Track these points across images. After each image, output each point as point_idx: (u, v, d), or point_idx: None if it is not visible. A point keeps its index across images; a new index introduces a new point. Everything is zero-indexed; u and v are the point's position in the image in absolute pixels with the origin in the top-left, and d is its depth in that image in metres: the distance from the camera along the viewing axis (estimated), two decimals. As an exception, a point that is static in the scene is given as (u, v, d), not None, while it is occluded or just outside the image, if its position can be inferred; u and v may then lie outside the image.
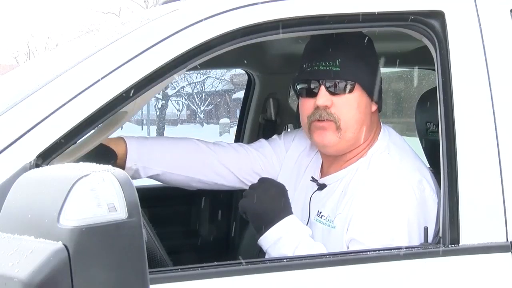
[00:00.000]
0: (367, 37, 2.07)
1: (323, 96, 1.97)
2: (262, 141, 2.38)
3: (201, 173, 2.22)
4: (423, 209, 1.85)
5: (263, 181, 2.05)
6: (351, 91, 1.98)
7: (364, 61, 2.02)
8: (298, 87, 2.07)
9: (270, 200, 1.96)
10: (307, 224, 2.06)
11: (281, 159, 2.31)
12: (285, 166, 2.29)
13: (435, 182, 1.94)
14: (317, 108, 1.98)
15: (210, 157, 2.22)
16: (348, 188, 1.98)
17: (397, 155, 1.99)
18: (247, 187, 2.26)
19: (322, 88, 1.98)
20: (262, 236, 1.93)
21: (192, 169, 2.21)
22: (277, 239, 1.91)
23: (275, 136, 2.40)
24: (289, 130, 3.30)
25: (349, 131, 1.99)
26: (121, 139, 2.08)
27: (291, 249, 1.89)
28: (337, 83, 1.97)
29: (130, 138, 2.10)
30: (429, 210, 1.86)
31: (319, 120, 1.99)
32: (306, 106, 2.03)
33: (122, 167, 2.04)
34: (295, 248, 1.88)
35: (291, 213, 1.96)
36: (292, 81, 2.13)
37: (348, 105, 1.98)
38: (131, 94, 1.54)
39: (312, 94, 2.01)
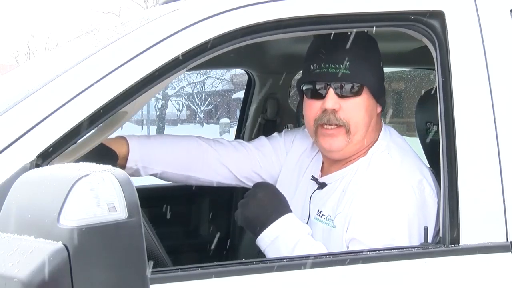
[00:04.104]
0: (372, 38, 2.07)
1: (331, 99, 1.96)
2: (263, 138, 2.38)
3: (200, 172, 2.23)
4: (423, 209, 1.85)
5: (254, 186, 2.05)
6: (359, 94, 1.97)
7: (371, 63, 2.02)
8: (304, 88, 2.06)
9: (258, 205, 1.95)
10: (307, 223, 2.05)
11: (281, 160, 2.30)
12: (285, 168, 2.28)
13: (435, 182, 1.94)
14: (325, 111, 1.97)
15: (210, 156, 2.23)
16: (349, 187, 1.98)
17: (397, 154, 1.99)
18: (244, 185, 2.28)
19: (331, 90, 1.97)
20: (259, 237, 1.94)
21: (191, 168, 2.21)
22: (273, 239, 1.90)
23: (275, 134, 2.39)
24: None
25: (358, 134, 1.99)
26: (123, 139, 2.08)
27: (288, 249, 1.88)
28: (345, 85, 1.96)
29: (132, 137, 2.10)
30: (429, 210, 1.86)
31: (327, 126, 1.98)
32: (313, 108, 2.02)
33: (123, 167, 2.05)
34: (293, 248, 1.88)
35: (287, 212, 1.95)
36: (297, 81, 2.12)
37: (357, 108, 1.97)
38: (131, 94, 1.54)
39: (318, 96, 2.00)
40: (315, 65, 2.01)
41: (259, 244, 1.95)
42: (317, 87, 2.00)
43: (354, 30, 1.94)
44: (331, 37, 1.98)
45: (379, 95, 2.03)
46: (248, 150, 2.30)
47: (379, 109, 2.06)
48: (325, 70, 1.98)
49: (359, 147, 2.02)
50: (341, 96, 1.97)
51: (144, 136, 2.19)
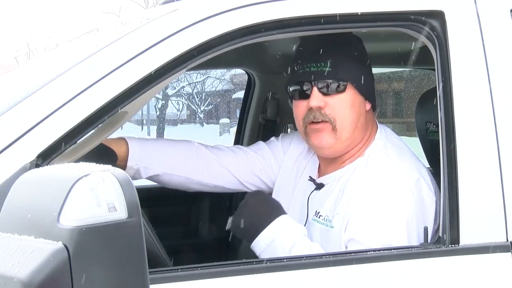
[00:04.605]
0: (356, 37, 2.08)
1: (315, 97, 1.98)
2: (261, 143, 2.40)
3: (200, 175, 2.23)
4: (421, 208, 1.85)
5: (246, 196, 2.05)
6: (343, 90, 1.99)
7: (355, 60, 2.03)
8: (291, 89, 2.08)
9: (251, 213, 1.96)
10: (305, 225, 2.05)
11: (279, 161, 2.31)
12: (283, 169, 2.29)
13: (433, 181, 1.94)
14: (310, 109, 1.99)
15: (210, 159, 2.23)
16: (346, 187, 1.98)
17: (394, 154, 1.99)
18: (246, 190, 2.28)
19: (315, 89, 1.98)
20: (253, 243, 1.93)
21: (192, 171, 2.21)
22: (269, 243, 1.90)
23: (273, 138, 2.42)
24: (289, 130, 3.31)
25: (345, 131, 1.99)
26: (122, 139, 2.09)
27: (285, 251, 1.88)
28: (329, 83, 1.98)
29: (132, 138, 2.11)
30: (427, 209, 1.86)
31: (314, 123, 1.99)
32: (299, 108, 2.04)
33: (123, 167, 2.05)
34: (289, 250, 1.88)
35: (280, 214, 1.95)
36: (285, 84, 2.13)
37: (342, 105, 1.98)
38: (131, 94, 1.54)
39: (304, 96, 2.02)
40: (298, 66, 2.03)
41: (254, 250, 1.94)
42: (304, 87, 2.02)
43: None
44: (314, 38, 1.99)
45: (366, 92, 2.04)
46: (247, 154, 2.32)
47: (368, 106, 2.06)
48: (308, 69, 2.00)
49: (349, 145, 2.03)
50: (326, 93, 1.98)
51: (143, 138, 2.20)
